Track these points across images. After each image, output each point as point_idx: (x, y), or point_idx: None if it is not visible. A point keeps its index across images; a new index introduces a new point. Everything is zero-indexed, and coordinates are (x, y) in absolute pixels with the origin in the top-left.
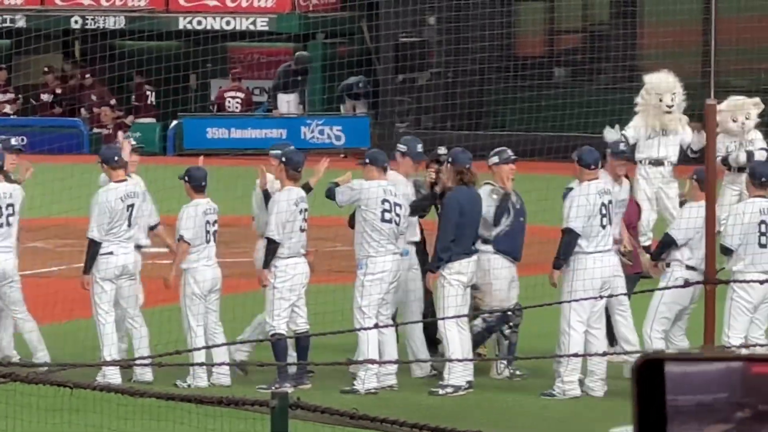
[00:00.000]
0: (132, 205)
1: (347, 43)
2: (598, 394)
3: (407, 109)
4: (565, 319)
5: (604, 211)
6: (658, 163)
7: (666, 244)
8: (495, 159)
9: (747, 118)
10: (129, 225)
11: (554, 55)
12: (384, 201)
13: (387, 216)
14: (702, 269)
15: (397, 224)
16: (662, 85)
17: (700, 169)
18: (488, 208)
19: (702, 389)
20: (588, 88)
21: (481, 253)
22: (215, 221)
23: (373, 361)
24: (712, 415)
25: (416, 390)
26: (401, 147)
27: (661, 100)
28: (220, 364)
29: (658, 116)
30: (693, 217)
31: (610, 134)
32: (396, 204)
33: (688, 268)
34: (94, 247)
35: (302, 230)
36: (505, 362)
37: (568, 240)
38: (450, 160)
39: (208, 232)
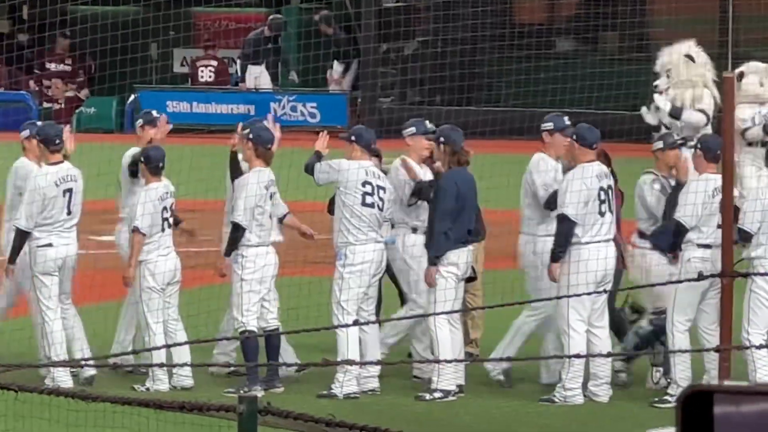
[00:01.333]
0: (70, 190)
1: (326, 8)
2: (603, 400)
3: (392, 82)
4: (564, 319)
5: (603, 197)
6: None
7: (678, 234)
8: (659, 144)
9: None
10: (69, 213)
11: (555, 22)
12: (365, 183)
13: (369, 200)
14: (718, 244)
15: (381, 209)
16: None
17: (707, 137)
18: (650, 198)
19: (754, 429)
20: (592, 59)
21: (635, 249)
22: (172, 205)
23: (353, 362)
24: None
25: (401, 395)
26: (547, 125)
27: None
28: (182, 365)
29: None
30: (699, 191)
31: (649, 116)
32: (379, 187)
33: (701, 246)
34: (20, 238)
35: (271, 216)
36: (661, 370)
37: (564, 228)
38: (442, 140)
39: (164, 219)
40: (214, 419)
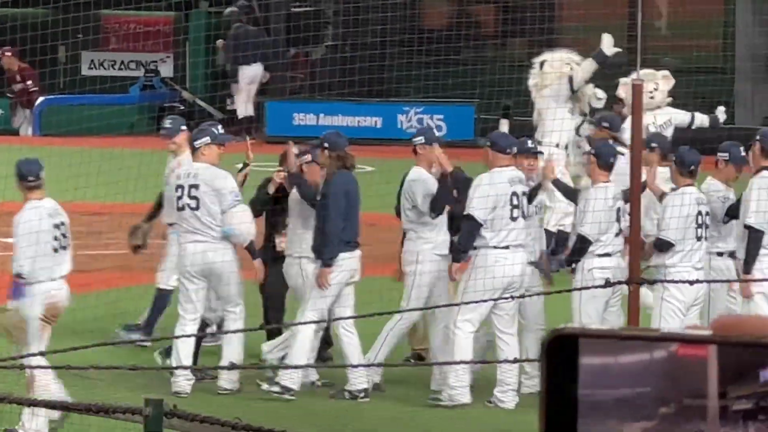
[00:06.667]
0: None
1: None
2: (509, 406)
3: (300, 86)
4: (453, 317)
5: (515, 202)
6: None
7: (582, 247)
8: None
9: (655, 89)
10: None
11: (463, 27)
12: (177, 187)
13: (180, 203)
14: (617, 252)
15: (193, 209)
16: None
17: (599, 144)
18: None
19: (623, 382)
20: (500, 65)
21: None
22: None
23: (257, 366)
24: (633, 411)
25: (307, 397)
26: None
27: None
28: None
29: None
30: (598, 199)
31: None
32: (191, 186)
33: (600, 256)
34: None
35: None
36: None
37: (468, 228)
38: (326, 145)
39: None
40: (120, 421)
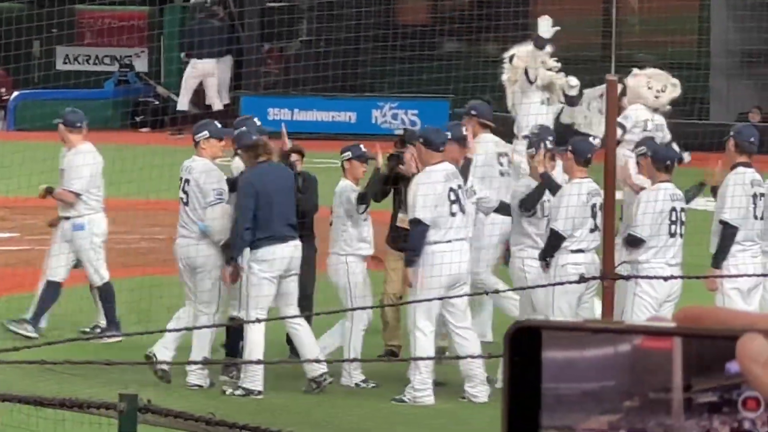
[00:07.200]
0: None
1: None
2: (482, 400)
3: (274, 81)
4: (410, 319)
5: (453, 197)
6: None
7: (556, 242)
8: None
9: (662, 90)
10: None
11: (438, 23)
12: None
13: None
14: (591, 248)
15: (186, 203)
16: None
17: (577, 141)
18: None
19: (587, 375)
20: (475, 60)
21: None
22: None
23: (235, 362)
24: (598, 405)
25: (281, 393)
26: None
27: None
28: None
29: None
30: (572, 195)
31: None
32: (186, 180)
33: (574, 251)
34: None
35: None
36: None
37: (417, 232)
38: (236, 144)
39: None
40: (94, 417)
